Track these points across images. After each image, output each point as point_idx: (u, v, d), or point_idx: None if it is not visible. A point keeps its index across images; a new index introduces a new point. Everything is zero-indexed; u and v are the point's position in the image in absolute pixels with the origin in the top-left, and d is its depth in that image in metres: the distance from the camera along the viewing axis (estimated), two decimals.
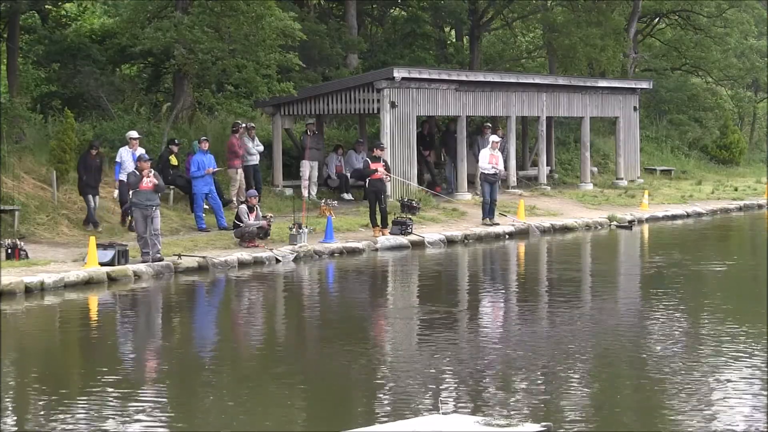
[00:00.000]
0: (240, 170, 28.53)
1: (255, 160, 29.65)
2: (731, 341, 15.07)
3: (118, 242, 22.15)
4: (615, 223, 31.30)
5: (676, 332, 16.23)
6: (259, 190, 28.57)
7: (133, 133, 25.88)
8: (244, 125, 29.18)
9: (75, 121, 27.51)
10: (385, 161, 26.89)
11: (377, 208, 26.19)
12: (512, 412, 11.42)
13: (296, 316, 18.50)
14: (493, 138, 29.80)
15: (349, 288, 21.73)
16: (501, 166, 29.22)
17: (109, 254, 21.25)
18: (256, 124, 31.77)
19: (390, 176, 27.33)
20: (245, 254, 23.23)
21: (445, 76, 33.10)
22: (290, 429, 11.47)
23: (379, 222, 26.23)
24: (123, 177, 24.89)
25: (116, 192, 25.12)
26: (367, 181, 26.48)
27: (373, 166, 26.24)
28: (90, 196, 24.73)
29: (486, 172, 28.66)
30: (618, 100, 40.18)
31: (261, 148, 29.99)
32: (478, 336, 16.24)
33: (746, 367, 13.54)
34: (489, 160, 28.72)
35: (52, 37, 33.24)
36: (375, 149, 26.91)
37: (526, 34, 51.73)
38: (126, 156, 25.18)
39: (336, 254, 24.60)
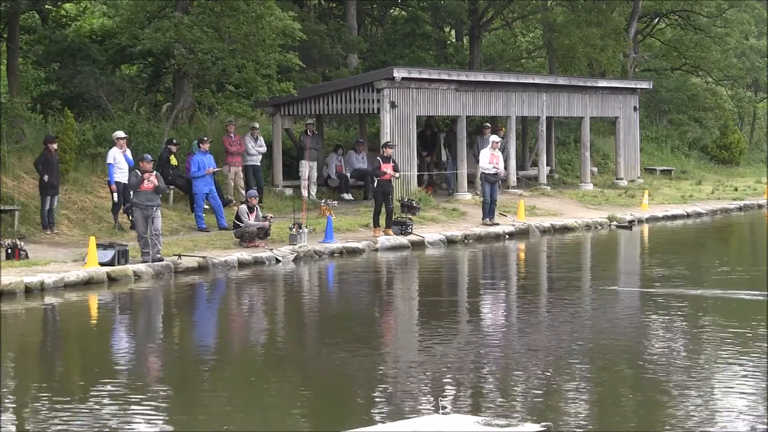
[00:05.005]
0: (233, 168, 28.56)
1: (255, 160, 29.68)
2: (731, 342, 15.07)
3: (118, 242, 22.16)
4: (615, 223, 31.31)
5: (676, 333, 16.22)
6: (260, 190, 28.60)
7: (120, 133, 25.87)
8: (232, 123, 29.28)
9: (75, 121, 27.52)
10: (394, 161, 26.93)
11: (383, 209, 26.11)
12: (512, 412, 11.42)
13: (296, 316, 18.50)
14: (494, 138, 29.80)
15: (349, 288, 21.73)
16: (501, 166, 29.20)
17: (109, 254, 21.25)
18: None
19: (398, 175, 27.21)
20: (245, 254, 23.23)
21: (445, 76, 33.09)
22: (290, 429, 11.47)
23: (383, 223, 26.18)
24: (117, 177, 24.87)
25: (115, 195, 25.01)
26: (376, 181, 26.30)
27: (383, 166, 26.18)
28: (49, 197, 24.05)
29: (487, 171, 28.65)
30: (618, 100, 40.18)
31: (264, 149, 30.01)
32: (478, 336, 16.24)
33: (746, 367, 13.53)
34: (490, 159, 28.71)
35: (52, 37, 33.22)
36: (385, 149, 26.86)
37: (526, 34, 51.72)
38: (118, 156, 25.14)
39: (336, 254, 24.60)
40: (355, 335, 16.29)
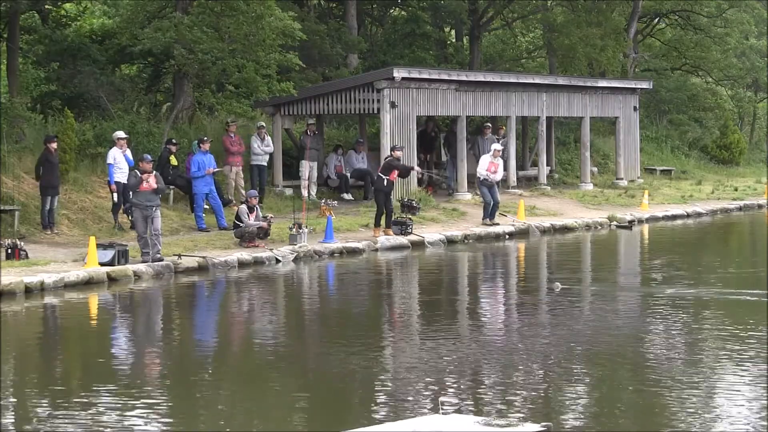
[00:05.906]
0: (234, 168, 28.57)
1: (261, 160, 29.70)
2: (732, 343, 15.07)
3: (118, 242, 22.16)
4: (615, 223, 31.31)
5: (677, 334, 16.22)
6: (261, 190, 28.60)
7: (120, 133, 25.86)
8: (234, 122, 29.33)
9: (75, 121, 27.51)
10: (404, 165, 26.98)
11: (385, 210, 26.08)
12: (512, 412, 11.42)
13: (296, 315, 18.50)
14: (496, 146, 29.62)
15: (349, 288, 21.73)
16: (498, 176, 29.03)
17: (109, 254, 21.25)
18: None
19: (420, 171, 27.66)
20: (245, 254, 23.23)
21: (445, 76, 33.08)
22: (290, 429, 11.47)
23: (383, 222, 26.15)
24: (117, 177, 24.87)
25: (115, 195, 24.99)
26: (385, 180, 26.14)
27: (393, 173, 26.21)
28: (49, 197, 24.04)
29: (480, 177, 28.71)
30: (618, 100, 40.17)
31: (270, 149, 30.04)
32: (478, 336, 16.24)
33: (747, 368, 13.53)
34: (488, 167, 28.68)
35: (52, 37, 33.21)
36: (393, 152, 26.91)
37: (526, 34, 51.71)
38: (118, 156, 25.14)
39: (336, 254, 24.60)
40: (354, 335, 16.29)
